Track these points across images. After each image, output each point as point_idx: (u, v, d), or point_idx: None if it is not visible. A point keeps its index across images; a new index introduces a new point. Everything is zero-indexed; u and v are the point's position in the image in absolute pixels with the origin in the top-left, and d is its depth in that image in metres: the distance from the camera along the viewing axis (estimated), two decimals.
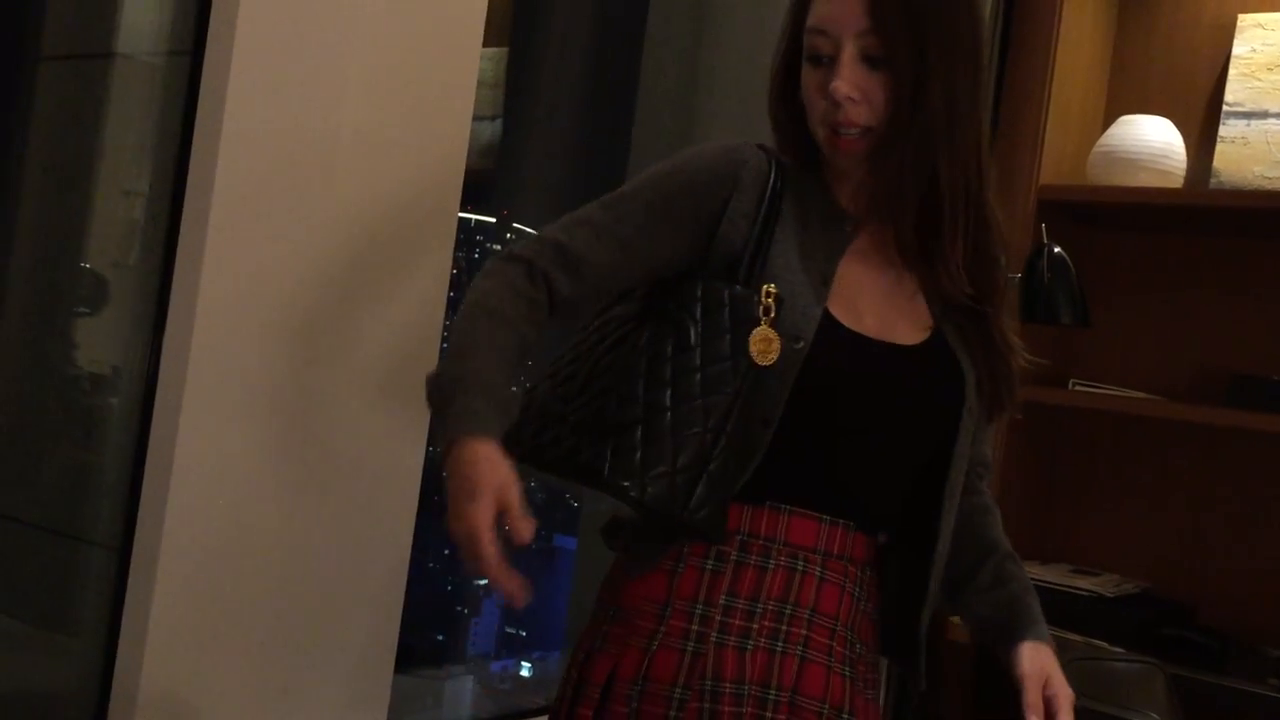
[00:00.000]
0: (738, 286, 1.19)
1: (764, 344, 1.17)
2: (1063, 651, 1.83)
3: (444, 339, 1.63)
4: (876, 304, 1.24)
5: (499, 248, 2.98)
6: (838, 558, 1.22)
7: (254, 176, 1.37)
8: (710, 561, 1.20)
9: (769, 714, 1.16)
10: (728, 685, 1.16)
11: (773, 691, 1.17)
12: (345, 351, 1.49)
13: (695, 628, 1.18)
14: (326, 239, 1.45)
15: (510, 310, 1.16)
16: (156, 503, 1.34)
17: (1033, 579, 2.23)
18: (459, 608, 2.97)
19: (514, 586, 1.01)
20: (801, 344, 1.17)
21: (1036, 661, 1.28)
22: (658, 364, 1.18)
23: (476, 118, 3.00)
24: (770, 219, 1.23)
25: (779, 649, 1.18)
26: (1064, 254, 2.06)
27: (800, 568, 1.21)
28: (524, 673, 2.94)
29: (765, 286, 1.19)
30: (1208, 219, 2.33)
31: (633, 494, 1.13)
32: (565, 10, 2.83)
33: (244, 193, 1.36)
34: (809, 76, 1.21)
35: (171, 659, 1.35)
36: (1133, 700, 1.80)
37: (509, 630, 3.06)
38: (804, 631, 1.19)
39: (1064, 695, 1.25)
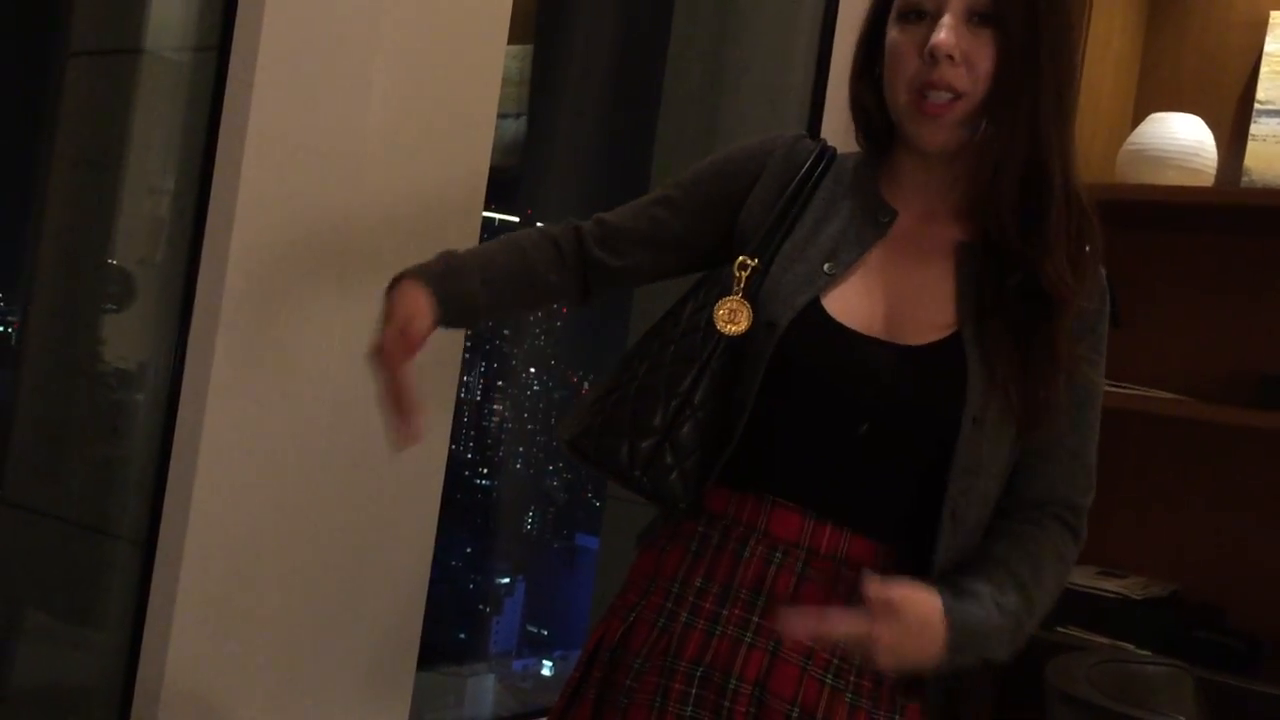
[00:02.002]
0: (739, 258, 1.19)
1: (728, 313, 1.17)
2: (1089, 654, 1.83)
3: (467, 338, 1.63)
4: (892, 300, 1.18)
5: None
6: (826, 557, 1.16)
7: (279, 173, 1.37)
8: (695, 543, 1.20)
9: (727, 702, 1.13)
10: (683, 664, 1.15)
11: (733, 680, 1.14)
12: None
13: (669, 605, 1.19)
14: (351, 235, 1.45)
15: (529, 244, 1.27)
16: (181, 498, 1.35)
17: None
18: (481, 606, 2.97)
19: (402, 413, 1.13)
20: (776, 327, 1.16)
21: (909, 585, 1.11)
22: (650, 338, 1.24)
23: (501, 115, 3.00)
24: (793, 205, 1.23)
25: (747, 639, 1.15)
26: None
27: (777, 560, 1.16)
28: (545, 671, 2.94)
29: (741, 258, 1.19)
30: (1239, 218, 2.30)
31: (590, 454, 1.18)
32: (590, 8, 2.83)
33: (268, 189, 1.37)
34: (901, 35, 1.15)
35: (195, 653, 1.36)
36: (1160, 704, 1.78)
37: (531, 629, 3.06)
38: (777, 628, 1.14)
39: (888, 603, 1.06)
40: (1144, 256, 2.46)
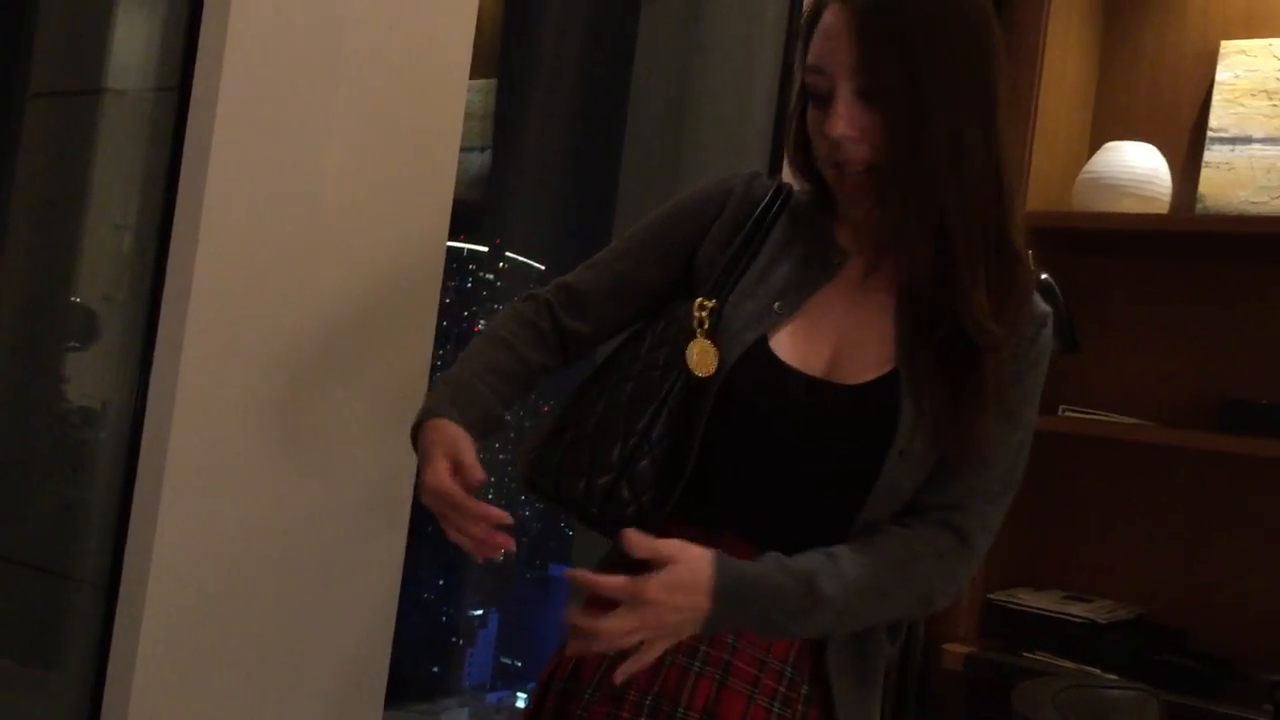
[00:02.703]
0: (698, 299, 1.21)
1: (701, 355, 1.19)
2: (1055, 680, 1.83)
3: (434, 370, 1.63)
4: (837, 340, 1.21)
5: (491, 276, 2.99)
6: None
7: (240, 211, 1.38)
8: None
9: None
10: (633, 694, 1.16)
11: (681, 709, 1.15)
12: (334, 384, 1.49)
13: None
14: (314, 272, 1.45)
15: (508, 334, 1.28)
16: (144, 540, 1.34)
17: (1026, 606, 2.27)
18: (454, 638, 2.95)
19: (490, 527, 1.12)
20: (724, 367, 1.18)
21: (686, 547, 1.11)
22: (606, 371, 1.25)
23: (466, 149, 3.01)
24: (749, 245, 1.25)
25: (695, 668, 1.16)
26: (1051, 281, 2.06)
27: None
28: (519, 703, 2.92)
29: (699, 300, 1.21)
30: (1194, 244, 2.34)
31: (548, 491, 1.20)
32: (553, 41, 2.85)
33: (230, 227, 1.37)
34: (811, 116, 1.19)
35: (158, 695, 1.34)
36: None
37: (505, 660, 3.04)
38: (725, 656, 1.16)
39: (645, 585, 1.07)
40: (1102, 283, 2.50)
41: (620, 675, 1.11)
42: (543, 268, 2.72)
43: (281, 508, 1.44)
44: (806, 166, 1.25)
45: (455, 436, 1.17)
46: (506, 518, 1.13)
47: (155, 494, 1.33)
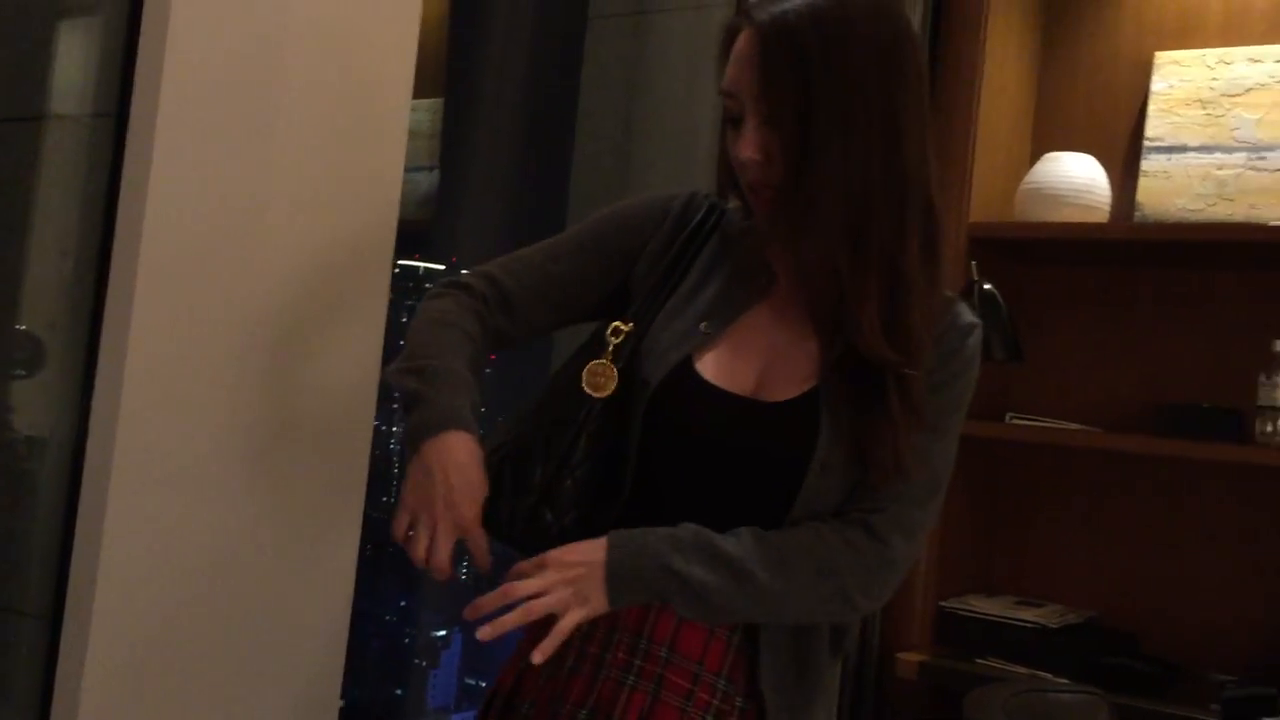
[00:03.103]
0: (613, 323, 1.23)
1: (595, 376, 1.20)
2: (1006, 686, 1.86)
3: (380, 394, 1.63)
4: (763, 359, 1.23)
5: None
6: None
7: (181, 236, 1.37)
8: None
9: None
10: (568, 708, 1.18)
11: None
12: (279, 410, 1.49)
13: (557, 652, 1.19)
14: (257, 298, 1.45)
15: (467, 325, 1.26)
16: (87, 572, 1.32)
17: (978, 612, 2.29)
18: (418, 660, 2.94)
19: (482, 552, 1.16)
20: (648, 385, 1.20)
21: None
22: (538, 400, 1.26)
23: (414, 168, 3.01)
24: (680, 264, 1.27)
25: (629, 682, 1.17)
26: (994, 290, 2.10)
27: (657, 604, 1.18)
28: None
29: (614, 323, 1.22)
30: (1133, 252, 2.38)
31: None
32: (499, 60, 2.85)
33: (171, 253, 1.36)
34: (727, 139, 1.21)
35: None
36: None
37: (469, 681, 3.02)
38: (658, 670, 1.17)
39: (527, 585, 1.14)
40: (1044, 292, 2.54)
41: (539, 655, 1.12)
42: None
43: (228, 531, 1.43)
44: (734, 186, 1.26)
45: (485, 485, 1.17)
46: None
47: (98, 526, 1.32)
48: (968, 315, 1.27)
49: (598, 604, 1.14)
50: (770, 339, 1.24)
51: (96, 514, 1.32)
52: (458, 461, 1.15)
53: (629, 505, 1.21)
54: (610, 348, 1.21)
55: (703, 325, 1.22)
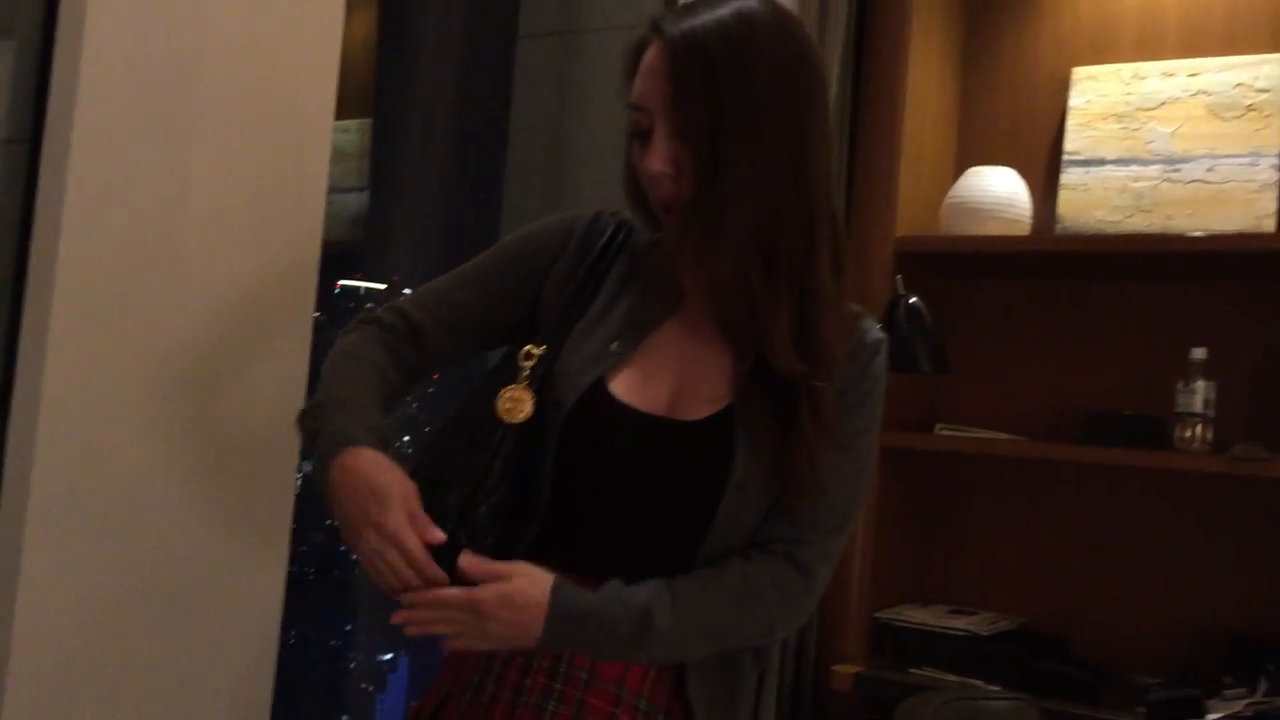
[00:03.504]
0: (525, 347, 1.22)
1: (511, 402, 1.19)
2: (937, 695, 1.88)
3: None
4: (676, 378, 1.23)
5: None
6: None
7: (99, 261, 1.34)
8: None
9: None
10: None
11: None
12: (201, 434, 1.47)
13: (477, 679, 1.20)
14: (178, 322, 1.43)
15: (373, 356, 1.26)
16: (5, 603, 1.29)
17: (912, 622, 2.31)
18: (364, 685, 2.90)
19: (440, 575, 1.12)
20: (561, 407, 1.19)
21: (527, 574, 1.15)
22: (449, 424, 1.25)
23: (344, 189, 2.98)
24: (588, 285, 1.26)
25: (550, 707, 1.16)
26: (920, 303, 2.13)
27: None
28: None
29: (526, 348, 1.21)
30: (1055, 263, 2.43)
31: None
32: (428, 79, 2.84)
33: (89, 278, 1.33)
34: (635, 153, 1.21)
35: None
36: None
37: (416, 704, 2.99)
38: (578, 694, 1.17)
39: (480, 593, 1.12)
40: (970, 304, 2.58)
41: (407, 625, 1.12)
42: None
43: (150, 560, 1.41)
44: (636, 199, 1.26)
45: (404, 483, 1.14)
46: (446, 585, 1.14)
47: (15, 556, 1.29)
48: (875, 331, 1.28)
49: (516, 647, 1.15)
50: (682, 356, 1.24)
51: (13, 547, 1.29)
52: (357, 479, 1.13)
53: (545, 527, 1.20)
54: (524, 373, 1.20)
55: (614, 346, 1.22)
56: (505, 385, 1.20)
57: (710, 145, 1.14)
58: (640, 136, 1.20)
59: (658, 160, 1.16)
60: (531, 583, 1.13)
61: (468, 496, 1.17)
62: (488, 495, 1.17)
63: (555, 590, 1.13)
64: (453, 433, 1.23)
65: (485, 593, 1.11)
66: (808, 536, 1.22)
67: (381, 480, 1.12)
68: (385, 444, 1.18)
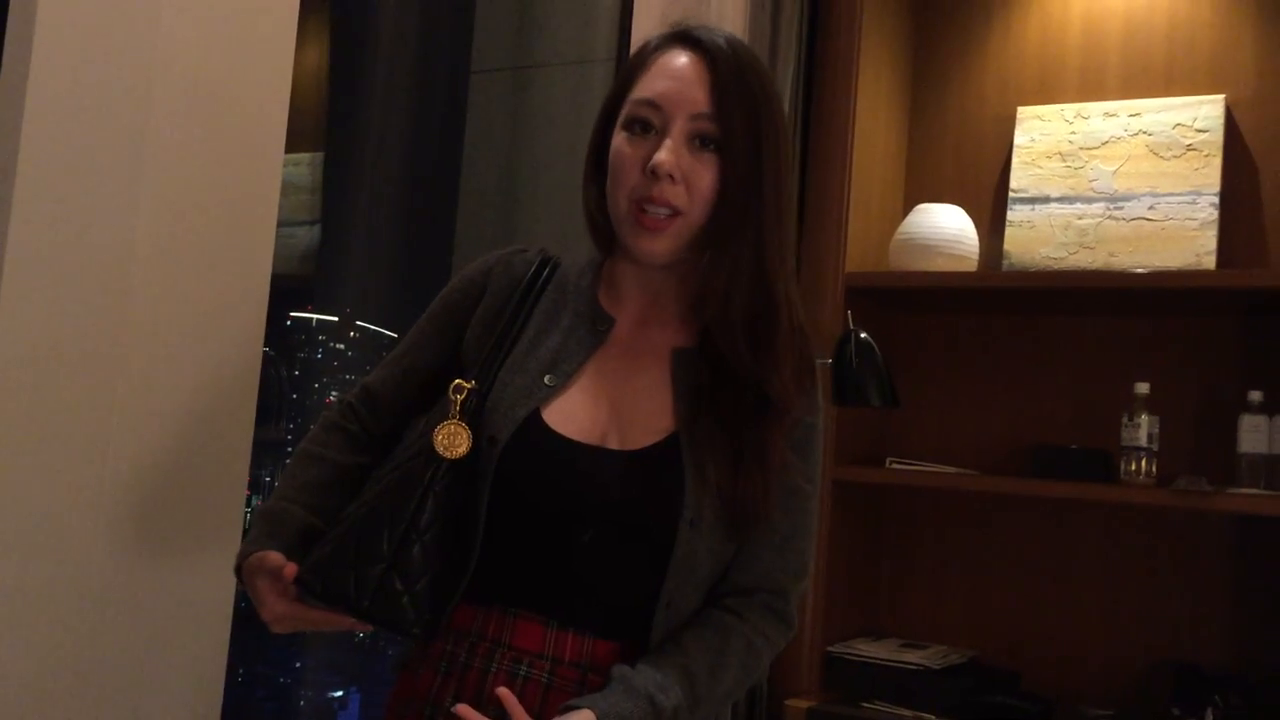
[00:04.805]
0: (455, 381, 1.21)
1: (447, 437, 1.18)
2: None
3: (264, 450, 1.59)
4: (612, 407, 1.21)
5: (341, 346, 2.96)
6: (571, 665, 1.17)
7: (42, 294, 1.32)
8: (444, 663, 1.19)
9: None
10: None
11: None
12: (150, 466, 1.44)
13: (429, 711, 1.18)
14: (124, 355, 1.41)
15: (319, 446, 1.30)
16: None
17: (865, 656, 2.31)
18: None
19: (320, 619, 1.19)
20: (496, 442, 1.18)
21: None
22: (382, 465, 1.25)
23: (295, 223, 2.96)
24: (515, 320, 1.26)
25: None
26: (870, 339, 2.14)
27: (523, 673, 1.16)
28: None
29: (456, 381, 1.20)
30: (1002, 299, 2.46)
31: (315, 589, 1.16)
32: (380, 113, 2.84)
33: (33, 312, 1.31)
34: (627, 145, 1.19)
35: None
36: None
37: None
38: None
39: None
40: (919, 339, 2.60)
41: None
42: (395, 335, 2.70)
43: (98, 580, 1.38)
44: (595, 200, 1.26)
45: (260, 558, 1.19)
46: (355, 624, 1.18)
47: None
48: (813, 358, 1.31)
49: None
50: (616, 386, 1.23)
51: None
52: (246, 575, 1.21)
53: (483, 567, 1.18)
54: (456, 406, 1.18)
55: (546, 378, 1.21)
56: (439, 422, 1.18)
57: (746, 159, 1.17)
58: (639, 130, 1.19)
59: (672, 159, 1.16)
60: None
61: (399, 537, 1.15)
62: (420, 535, 1.15)
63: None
64: (381, 475, 1.22)
65: None
66: (783, 585, 1.26)
67: (249, 581, 1.20)
68: (300, 536, 1.22)
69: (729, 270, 1.18)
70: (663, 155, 1.15)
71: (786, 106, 2.31)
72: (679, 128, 1.16)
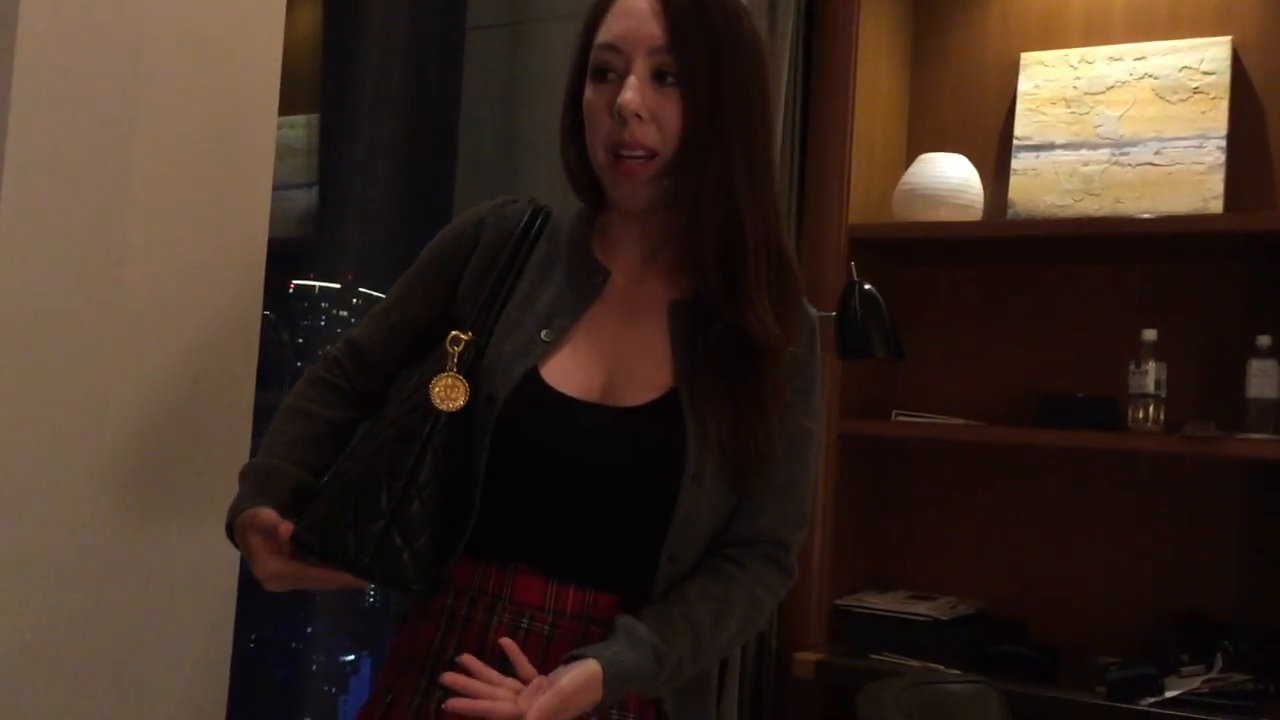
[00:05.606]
0: (452, 332, 1.19)
1: (445, 390, 1.16)
2: (899, 680, 1.88)
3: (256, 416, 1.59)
4: (610, 363, 1.20)
5: (345, 313, 2.95)
6: (573, 617, 1.16)
7: (37, 261, 1.31)
8: (445, 618, 1.18)
9: None
10: None
11: None
12: (150, 435, 1.44)
13: (424, 683, 1.17)
14: (123, 322, 1.40)
15: (304, 401, 1.28)
16: None
17: (872, 608, 2.32)
18: (327, 687, 2.87)
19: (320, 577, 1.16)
20: (495, 400, 1.16)
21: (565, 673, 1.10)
22: (377, 420, 1.23)
23: (292, 185, 2.93)
24: (508, 273, 1.23)
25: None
26: (874, 290, 2.12)
27: (525, 625, 1.15)
28: None
29: (454, 333, 1.18)
30: (1007, 248, 2.44)
31: (314, 547, 1.14)
32: (375, 73, 2.81)
33: (28, 277, 1.30)
34: (595, 95, 1.17)
35: None
36: None
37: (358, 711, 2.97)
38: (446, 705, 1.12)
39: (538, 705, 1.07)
40: (924, 290, 2.58)
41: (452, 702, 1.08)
42: None
43: (101, 550, 1.38)
44: (575, 156, 1.23)
45: (253, 515, 1.16)
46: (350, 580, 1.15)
47: None
48: (811, 310, 1.28)
49: None
50: (614, 341, 1.21)
51: None
52: (238, 534, 1.18)
53: (483, 524, 1.17)
54: (453, 358, 1.17)
55: (543, 334, 1.20)
56: (435, 374, 1.16)
57: (707, 89, 1.14)
58: (602, 75, 1.17)
59: (635, 96, 1.13)
60: (580, 683, 1.08)
61: (399, 494, 1.13)
62: (420, 491, 1.14)
63: (606, 670, 1.09)
64: (376, 430, 1.19)
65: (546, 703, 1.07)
66: (784, 535, 1.25)
67: (241, 538, 1.18)
68: (294, 493, 1.20)
69: (694, 202, 1.16)
70: (627, 94, 1.13)
71: (786, 58, 2.27)
72: (640, 66, 1.14)
